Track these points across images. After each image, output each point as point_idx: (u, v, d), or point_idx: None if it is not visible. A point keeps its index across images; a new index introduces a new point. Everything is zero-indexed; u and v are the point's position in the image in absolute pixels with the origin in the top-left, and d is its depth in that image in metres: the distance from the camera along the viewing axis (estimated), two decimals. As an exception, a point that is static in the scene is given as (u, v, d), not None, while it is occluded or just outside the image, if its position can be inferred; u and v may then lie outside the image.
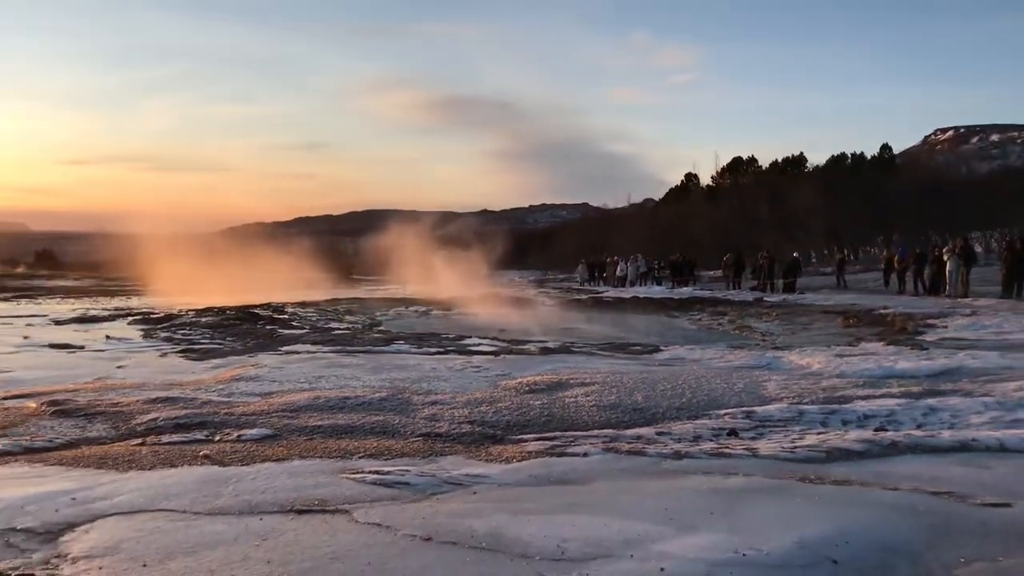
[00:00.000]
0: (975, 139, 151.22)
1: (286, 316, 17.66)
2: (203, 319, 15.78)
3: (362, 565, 3.15)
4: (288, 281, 29.17)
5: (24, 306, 21.22)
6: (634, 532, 3.49)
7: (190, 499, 4.06)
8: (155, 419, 6.14)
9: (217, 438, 5.59)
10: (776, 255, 29.04)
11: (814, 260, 48.91)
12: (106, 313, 18.00)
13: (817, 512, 3.79)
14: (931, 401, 6.64)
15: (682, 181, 75.11)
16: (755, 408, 6.52)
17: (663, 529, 3.54)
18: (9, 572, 3.15)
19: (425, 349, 10.91)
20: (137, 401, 6.84)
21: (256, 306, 18.90)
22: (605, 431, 5.80)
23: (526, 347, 11.27)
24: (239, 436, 5.60)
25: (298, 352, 10.53)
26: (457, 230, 36.85)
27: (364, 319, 18.95)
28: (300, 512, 3.86)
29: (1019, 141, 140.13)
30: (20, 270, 57.15)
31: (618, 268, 36.02)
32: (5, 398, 7.14)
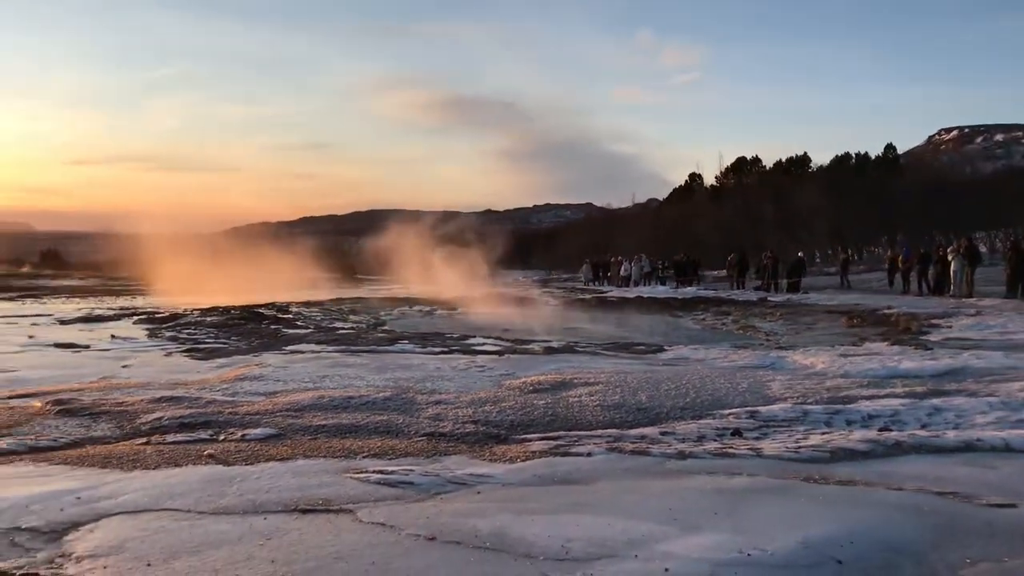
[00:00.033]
0: (979, 139, 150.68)
1: (290, 316, 17.69)
2: (208, 319, 15.81)
3: (366, 565, 3.15)
4: (292, 281, 29.22)
5: (29, 306, 21.28)
6: (638, 532, 3.49)
7: (194, 498, 4.07)
8: (160, 418, 6.15)
9: (221, 437, 5.60)
10: (780, 255, 28.97)
11: (818, 260, 48.81)
12: (111, 313, 18.04)
13: (821, 512, 3.79)
14: (936, 401, 6.62)
15: (686, 181, 74.99)
16: (759, 408, 6.51)
17: (667, 529, 3.53)
18: (14, 571, 3.16)
19: (429, 349, 10.92)
20: (142, 400, 6.85)
21: (260, 306, 18.94)
22: (609, 431, 5.80)
23: (530, 347, 11.27)
24: (243, 436, 5.61)
25: (302, 352, 10.54)
26: (461, 230, 36.80)
27: (368, 319, 18.97)
28: (304, 512, 3.86)
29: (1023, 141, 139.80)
30: (25, 270, 57.27)
31: (622, 268, 35.99)
32: (10, 397, 7.16)
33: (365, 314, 20.01)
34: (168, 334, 13.36)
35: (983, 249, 31.57)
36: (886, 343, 11.30)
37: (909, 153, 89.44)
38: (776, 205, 51.56)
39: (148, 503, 3.99)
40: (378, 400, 6.85)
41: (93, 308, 19.83)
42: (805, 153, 64.62)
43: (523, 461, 4.93)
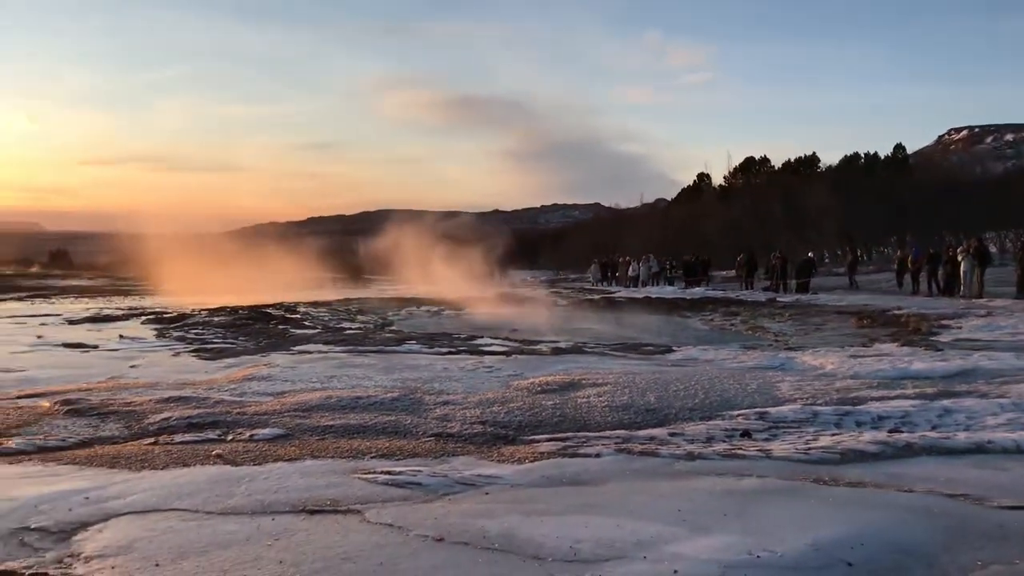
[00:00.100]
0: (989, 139, 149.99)
1: (298, 316, 17.72)
2: (216, 319, 15.85)
3: (374, 565, 3.14)
4: (299, 281, 29.28)
5: (38, 305, 21.38)
6: (647, 533, 3.48)
7: (203, 499, 4.07)
8: (168, 418, 6.16)
9: (230, 438, 5.60)
10: (789, 255, 28.91)
11: (827, 260, 48.66)
12: (119, 313, 18.10)
13: (831, 514, 3.77)
14: (946, 402, 6.58)
15: (694, 181, 74.90)
16: (768, 409, 6.48)
17: (676, 530, 3.52)
18: (23, 571, 3.16)
19: (437, 349, 10.91)
20: (150, 400, 6.87)
21: (268, 306, 18.98)
22: (618, 432, 5.78)
23: (538, 347, 11.25)
24: (251, 436, 5.61)
25: (310, 352, 10.55)
26: (468, 230, 36.82)
27: (376, 319, 18.99)
28: (312, 512, 3.86)
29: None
30: (34, 270, 57.59)
31: (630, 268, 35.98)
32: (19, 397, 7.18)
33: (372, 314, 20.04)
34: (176, 334, 13.39)
35: (993, 249, 31.41)
36: (896, 344, 11.24)
37: (919, 153, 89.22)
38: (785, 205, 51.37)
39: (156, 503, 4.00)
40: (386, 400, 6.85)
41: (101, 308, 19.91)
42: (814, 153, 64.49)
43: (531, 462, 4.92)
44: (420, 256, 30.51)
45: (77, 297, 25.79)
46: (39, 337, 12.69)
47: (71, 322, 15.75)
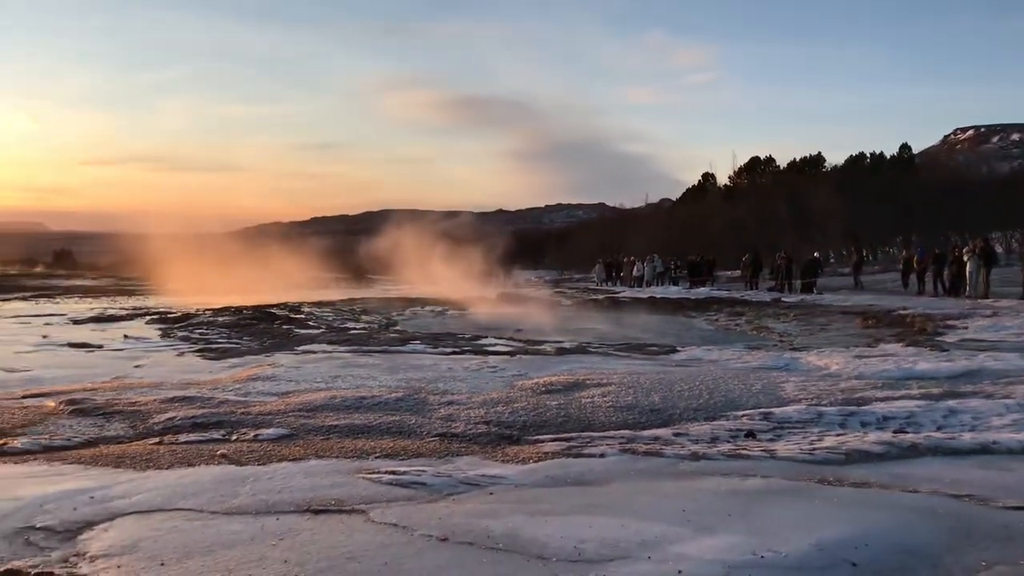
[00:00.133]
0: (995, 138, 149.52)
1: (302, 316, 17.74)
2: (220, 319, 15.87)
3: (378, 565, 3.14)
4: (304, 281, 29.32)
5: (43, 305, 21.44)
6: (651, 533, 3.48)
7: (207, 498, 4.08)
8: (172, 418, 6.17)
9: (234, 437, 5.61)
10: (794, 255, 28.84)
11: (832, 260, 48.55)
12: (124, 312, 18.14)
13: (836, 514, 3.76)
14: (951, 403, 6.57)
15: (699, 181, 74.68)
16: (773, 409, 6.47)
17: (680, 530, 3.52)
18: (29, 570, 3.17)
19: (441, 349, 10.91)
20: (155, 400, 6.88)
21: (273, 306, 19.00)
22: (622, 432, 5.78)
23: (542, 347, 11.25)
24: (256, 435, 5.62)
25: (314, 352, 10.56)
26: (472, 230, 36.84)
27: (380, 319, 19.01)
28: (317, 512, 3.86)
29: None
30: (39, 269, 57.69)
31: (635, 268, 35.94)
32: (24, 397, 7.20)
33: (377, 314, 20.05)
34: (180, 334, 13.42)
35: (999, 249, 31.29)
36: (901, 344, 11.22)
37: (924, 153, 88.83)
38: (790, 205, 51.25)
39: (161, 503, 4.01)
40: (390, 400, 6.86)
41: (106, 308, 19.95)
42: (819, 153, 64.28)
43: (536, 462, 4.92)
44: (424, 256, 30.52)
45: (81, 297, 25.86)
46: (44, 337, 12.72)
47: (75, 322, 15.79)
